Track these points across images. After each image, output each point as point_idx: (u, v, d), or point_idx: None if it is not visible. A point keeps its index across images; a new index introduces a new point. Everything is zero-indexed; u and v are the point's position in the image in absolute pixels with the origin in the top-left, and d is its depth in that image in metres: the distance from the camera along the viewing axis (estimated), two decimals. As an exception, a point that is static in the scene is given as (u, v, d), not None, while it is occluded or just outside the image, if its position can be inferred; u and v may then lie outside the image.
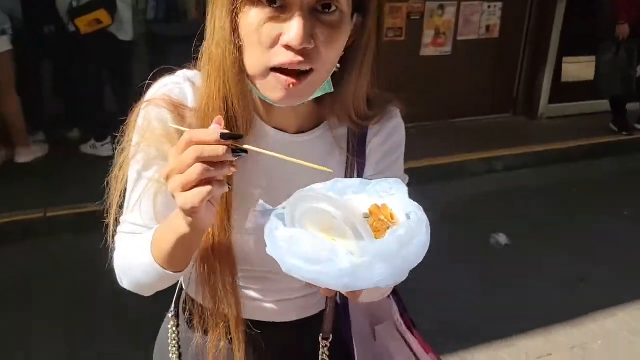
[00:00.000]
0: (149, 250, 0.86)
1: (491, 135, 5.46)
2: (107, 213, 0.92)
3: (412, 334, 1.16)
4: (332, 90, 0.89)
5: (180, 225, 0.78)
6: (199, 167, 0.69)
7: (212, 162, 0.69)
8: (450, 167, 4.73)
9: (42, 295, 2.92)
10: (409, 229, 0.69)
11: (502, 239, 3.70)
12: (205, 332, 1.00)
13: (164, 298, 1.05)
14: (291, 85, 0.80)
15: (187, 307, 1.03)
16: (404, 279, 0.71)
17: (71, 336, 2.65)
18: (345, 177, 0.99)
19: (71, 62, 4.41)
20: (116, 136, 0.92)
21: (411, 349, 1.14)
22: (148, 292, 0.93)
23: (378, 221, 0.80)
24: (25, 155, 4.17)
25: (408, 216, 0.77)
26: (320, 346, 1.05)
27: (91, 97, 4.43)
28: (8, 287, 2.97)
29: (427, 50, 5.51)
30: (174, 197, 0.72)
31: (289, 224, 0.78)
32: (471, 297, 3.10)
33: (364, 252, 0.68)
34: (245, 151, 0.72)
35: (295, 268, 0.70)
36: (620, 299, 3.16)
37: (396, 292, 1.17)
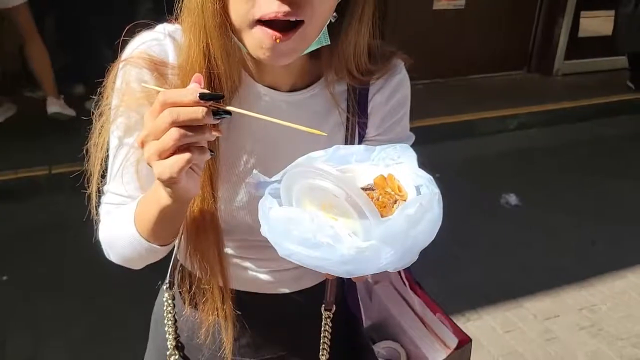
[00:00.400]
0: (132, 222, 0.82)
1: (504, 93, 5.33)
2: (88, 183, 0.87)
3: (416, 293, 1.12)
4: (329, 42, 0.82)
5: (161, 197, 0.72)
6: (175, 133, 0.62)
7: (190, 127, 0.63)
8: (462, 126, 4.64)
9: (48, 251, 2.93)
10: (419, 207, 0.64)
11: (512, 199, 3.66)
12: (197, 305, 0.96)
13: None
14: (278, 41, 0.73)
15: (182, 277, 0.99)
16: (414, 260, 0.67)
17: (73, 297, 2.66)
18: (346, 138, 0.93)
19: (76, 15, 4.30)
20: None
21: (413, 309, 1.11)
22: (137, 266, 0.89)
23: (384, 194, 0.75)
24: (54, 105, 4.02)
25: (418, 190, 0.72)
26: (323, 317, 1.02)
27: (97, 52, 4.33)
28: (18, 240, 2.99)
29: (440, 4, 5.33)
30: (150, 166, 0.66)
31: (285, 201, 0.73)
32: (479, 257, 3.08)
33: (368, 235, 0.63)
34: (229, 113, 0.65)
35: (292, 253, 0.65)
36: (630, 260, 3.12)
37: None
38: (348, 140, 0.93)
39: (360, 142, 0.94)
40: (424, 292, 1.12)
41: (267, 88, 0.87)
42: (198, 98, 0.62)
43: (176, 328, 1.02)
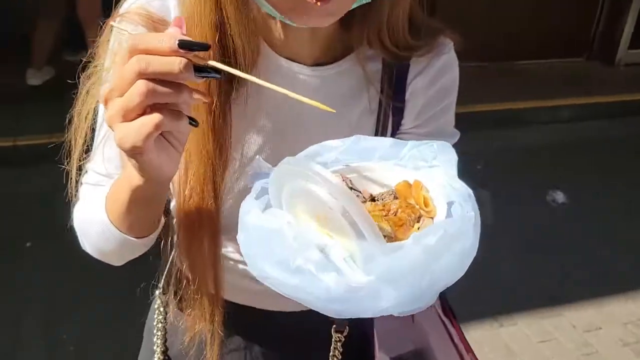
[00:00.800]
0: (103, 207, 0.70)
1: (559, 81, 4.99)
2: (68, 158, 0.75)
3: (453, 325, 0.96)
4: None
5: (132, 175, 0.60)
6: (142, 86, 0.50)
7: (163, 82, 0.51)
8: (510, 114, 4.37)
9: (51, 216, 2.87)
10: (443, 236, 0.48)
11: (560, 196, 3.42)
12: (183, 310, 0.84)
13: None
14: (319, 3, 0.61)
15: (176, 280, 0.85)
16: (432, 302, 0.51)
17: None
18: (376, 129, 0.79)
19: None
20: None
21: (453, 342, 0.94)
22: (115, 261, 0.77)
23: (405, 207, 0.59)
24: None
25: (450, 207, 0.56)
26: (332, 340, 0.87)
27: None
28: (26, 202, 2.94)
29: (496, -19, 5.00)
30: (112, 129, 0.54)
31: (276, 203, 0.58)
32: (519, 257, 2.87)
33: (370, 263, 0.47)
34: (218, 72, 0.53)
35: (267, 277, 0.51)
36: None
37: None
38: (379, 131, 0.79)
39: (393, 135, 0.80)
40: (458, 326, 0.95)
41: (288, 61, 0.74)
42: (176, 46, 0.49)
43: (165, 340, 0.90)
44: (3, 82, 3.69)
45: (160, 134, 0.55)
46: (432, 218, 0.57)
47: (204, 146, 0.70)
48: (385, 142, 0.63)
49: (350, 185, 0.62)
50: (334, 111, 0.55)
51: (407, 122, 0.80)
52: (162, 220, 0.74)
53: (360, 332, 0.90)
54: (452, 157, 0.60)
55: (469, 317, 2.32)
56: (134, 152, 0.54)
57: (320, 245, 0.51)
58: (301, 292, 0.49)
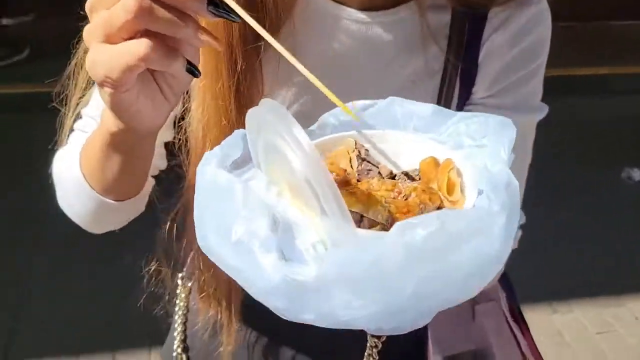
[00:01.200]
0: (78, 159, 0.61)
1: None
2: (66, 108, 0.66)
3: (522, 332, 0.81)
4: None
5: (104, 116, 0.52)
6: (131, 1, 0.40)
7: (165, 5, 0.41)
8: (593, 81, 3.99)
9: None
10: (439, 233, 0.34)
11: (637, 174, 3.12)
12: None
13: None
14: None
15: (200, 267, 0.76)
16: (422, 323, 0.38)
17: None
18: (439, 96, 0.65)
19: None
20: None
21: (521, 351, 0.80)
22: (93, 227, 0.67)
23: (422, 192, 0.45)
24: None
25: (478, 197, 0.41)
26: (368, 346, 0.73)
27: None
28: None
29: None
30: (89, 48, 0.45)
31: (254, 156, 0.45)
32: (584, 239, 2.62)
33: (325, 254, 0.35)
34: (235, 13, 0.43)
35: (208, 248, 0.39)
36: None
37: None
38: (441, 100, 0.65)
39: (461, 104, 0.66)
40: (529, 332, 0.81)
41: (335, 3, 0.63)
42: None
43: (185, 328, 0.83)
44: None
45: (151, 73, 0.45)
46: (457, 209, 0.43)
47: (224, 114, 0.59)
48: (426, 110, 0.49)
49: (364, 157, 0.49)
50: (357, 120, 0.45)
51: (478, 91, 0.66)
52: (150, 182, 0.63)
53: (404, 337, 0.76)
54: (508, 137, 0.45)
55: (520, 299, 2.15)
56: (105, 83, 0.43)
57: (286, 221, 0.38)
58: (240, 276, 0.37)
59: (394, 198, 0.44)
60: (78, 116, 0.68)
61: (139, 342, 1.99)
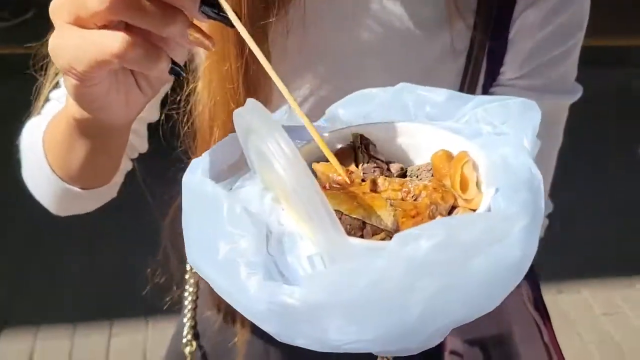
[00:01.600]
0: (41, 140, 0.56)
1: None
2: (45, 76, 0.60)
3: (544, 323, 0.77)
4: None
5: (70, 103, 0.46)
6: None
7: None
8: (610, 52, 3.84)
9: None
10: (445, 243, 0.30)
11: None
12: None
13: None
14: None
15: None
16: (433, 344, 0.33)
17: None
18: (464, 75, 0.61)
19: None
20: None
21: (543, 340, 0.76)
22: (57, 211, 0.62)
23: (433, 191, 0.41)
24: None
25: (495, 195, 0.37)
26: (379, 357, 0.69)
27: None
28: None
29: None
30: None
31: (250, 165, 0.41)
32: (598, 217, 2.55)
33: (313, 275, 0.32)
34: (224, 14, 0.38)
35: (194, 264, 0.36)
36: None
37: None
38: (466, 82, 0.61)
39: (487, 86, 0.62)
40: (551, 325, 0.77)
41: None
42: None
43: (195, 314, 0.79)
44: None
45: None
46: (473, 210, 0.38)
47: (232, 98, 0.55)
48: (440, 95, 0.44)
49: (371, 153, 0.45)
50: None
51: (508, 71, 0.61)
52: (123, 171, 0.59)
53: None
54: (532, 122, 0.40)
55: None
56: (69, 74, 0.38)
57: (280, 232, 0.33)
58: (229, 298, 0.33)
59: (402, 199, 0.39)
60: (57, 85, 0.62)
61: (137, 313, 1.99)
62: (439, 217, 0.37)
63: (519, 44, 0.60)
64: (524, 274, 0.35)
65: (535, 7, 0.58)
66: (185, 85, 0.58)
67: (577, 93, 0.65)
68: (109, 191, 0.60)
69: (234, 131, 0.52)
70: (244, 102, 0.55)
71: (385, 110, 0.45)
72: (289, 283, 0.32)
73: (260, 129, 0.32)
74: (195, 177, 0.35)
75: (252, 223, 0.32)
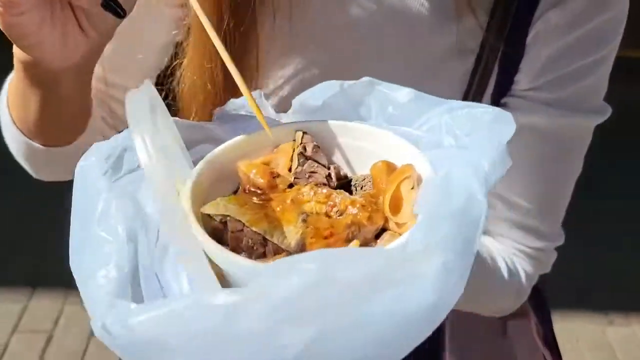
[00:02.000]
0: (6, 88, 0.55)
1: None
2: None
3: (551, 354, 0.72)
4: None
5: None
6: None
7: None
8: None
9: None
10: (336, 286, 0.25)
11: None
12: None
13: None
14: None
15: None
16: None
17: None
18: (471, 80, 0.55)
19: None
20: None
21: None
22: (31, 170, 0.60)
23: (362, 207, 0.36)
24: None
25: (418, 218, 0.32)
26: None
27: None
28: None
29: None
30: None
31: None
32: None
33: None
34: (121, 8, 0.38)
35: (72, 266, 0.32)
36: None
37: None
38: (472, 88, 0.55)
39: (496, 95, 0.56)
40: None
41: None
42: None
43: None
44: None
45: None
46: (400, 234, 0.34)
47: (209, 79, 0.52)
48: (404, 95, 0.39)
49: (310, 155, 0.39)
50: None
51: (522, 80, 0.54)
52: (90, 133, 0.56)
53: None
54: (499, 137, 0.34)
55: (573, 305, 1.98)
56: None
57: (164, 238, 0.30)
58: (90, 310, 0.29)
59: (326, 213, 0.35)
60: None
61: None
62: (355, 242, 0.33)
63: (537, 50, 0.53)
64: (439, 322, 0.29)
65: (561, 8, 0.51)
66: (172, 59, 0.56)
67: (605, 114, 0.56)
68: (76, 152, 0.57)
69: (212, 113, 0.49)
70: (222, 85, 0.53)
71: (344, 107, 0.40)
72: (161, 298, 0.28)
73: (131, 120, 0.29)
74: (85, 165, 0.31)
75: (125, 224, 0.28)
